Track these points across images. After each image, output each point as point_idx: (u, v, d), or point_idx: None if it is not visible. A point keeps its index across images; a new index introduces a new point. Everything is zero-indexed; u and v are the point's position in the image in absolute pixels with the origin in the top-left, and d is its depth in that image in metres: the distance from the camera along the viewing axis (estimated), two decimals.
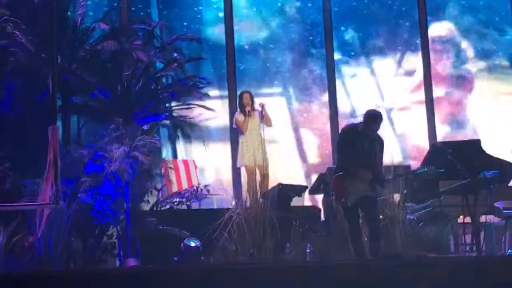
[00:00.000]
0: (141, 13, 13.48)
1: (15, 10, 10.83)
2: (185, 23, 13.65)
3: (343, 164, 8.52)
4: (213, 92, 12.86)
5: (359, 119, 8.85)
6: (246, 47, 13.80)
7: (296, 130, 13.84)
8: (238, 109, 10.97)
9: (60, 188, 7.26)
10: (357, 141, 8.41)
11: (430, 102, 13.62)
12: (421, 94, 13.77)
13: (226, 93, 13.33)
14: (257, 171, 10.56)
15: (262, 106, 10.84)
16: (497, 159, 9.90)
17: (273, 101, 13.15)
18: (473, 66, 14.08)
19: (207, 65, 13.30)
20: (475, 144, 10.03)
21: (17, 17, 10.80)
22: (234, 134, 12.39)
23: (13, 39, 10.74)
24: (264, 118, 10.76)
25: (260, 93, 13.18)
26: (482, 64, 14.06)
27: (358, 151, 8.37)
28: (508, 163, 9.86)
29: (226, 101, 13.28)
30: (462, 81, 14.03)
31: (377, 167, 8.45)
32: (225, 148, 13.21)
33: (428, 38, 13.89)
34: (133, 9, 13.36)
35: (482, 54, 14.05)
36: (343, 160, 8.54)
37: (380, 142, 8.52)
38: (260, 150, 10.65)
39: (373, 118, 8.44)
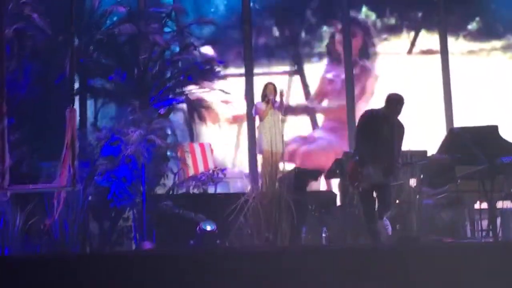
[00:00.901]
0: None
1: None
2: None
3: (359, 150, 8.51)
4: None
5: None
6: None
7: None
8: (260, 99, 11.02)
9: (77, 171, 7.27)
10: (376, 127, 8.39)
11: (447, 85, 13.55)
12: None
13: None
14: (274, 158, 10.59)
15: (282, 93, 10.83)
16: None
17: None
18: None
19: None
20: (493, 129, 9.98)
21: (34, 1, 10.81)
22: (251, 119, 12.41)
23: (31, 22, 10.75)
24: (282, 107, 10.79)
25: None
26: None
27: (376, 138, 8.36)
28: None
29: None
30: None
31: (393, 156, 8.44)
32: (242, 133, 13.21)
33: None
34: None
35: None
36: (360, 146, 8.53)
37: (400, 129, 8.49)
38: (279, 137, 10.67)
39: (395, 101, 8.41)
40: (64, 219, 9.56)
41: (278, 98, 10.80)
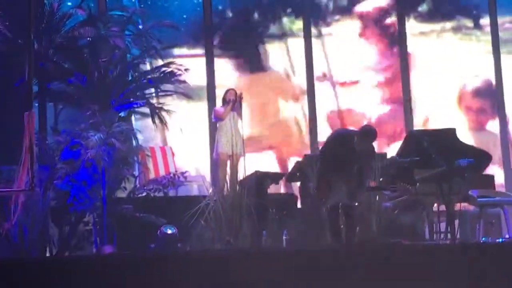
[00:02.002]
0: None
1: None
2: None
3: (325, 168, 8.55)
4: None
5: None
6: None
7: None
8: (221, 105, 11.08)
9: (36, 175, 7.22)
10: (346, 150, 8.44)
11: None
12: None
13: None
14: (232, 160, 10.66)
15: (241, 96, 10.90)
16: (472, 147, 10.00)
17: None
18: None
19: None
20: (451, 132, 10.08)
21: None
22: (213, 123, 12.46)
23: None
24: (241, 109, 10.86)
25: None
26: None
27: (345, 160, 8.43)
28: (482, 151, 9.94)
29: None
30: None
31: (361, 179, 8.55)
32: (203, 136, 13.23)
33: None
34: None
35: None
36: (326, 165, 8.56)
37: (370, 153, 8.59)
38: (238, 139, 10.73)
39: (371, 136, 8.49)
40: (24, 223, 9.50)
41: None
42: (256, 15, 14.03)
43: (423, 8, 14.19)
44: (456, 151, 9.42)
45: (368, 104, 13.84)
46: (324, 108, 13.79)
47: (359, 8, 14.08)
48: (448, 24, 14.15)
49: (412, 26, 14.10)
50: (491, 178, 10.16)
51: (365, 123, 9.94)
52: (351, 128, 9.09)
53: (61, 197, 10.04)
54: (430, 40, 14.11)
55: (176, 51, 12.95)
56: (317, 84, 13.80)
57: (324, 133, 13.10)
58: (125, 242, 10.00)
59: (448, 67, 13.93)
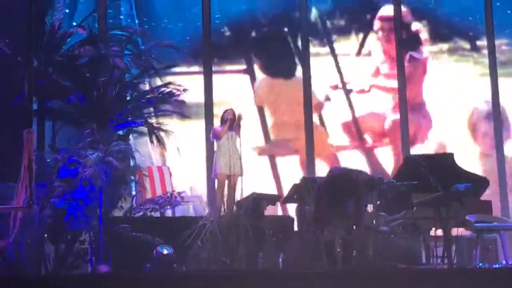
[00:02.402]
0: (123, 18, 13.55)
1: None
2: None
3: (322, 204, 8.60)
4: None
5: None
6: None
7: None
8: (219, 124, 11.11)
9: (34, 192, 7.21)
10: (345, 186, 8.51)
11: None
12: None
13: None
14: (229, 181, 10.68)
15: (240, 116, 10.91)
16: (470, 172, 10.00)
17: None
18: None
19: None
20: (448, 157, 10.12)
21: None
22: (210, 143, 12.51)
23: None
24: (239, 129, 10.87)
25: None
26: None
27: (344, 196, 8.49)
28: (480, 176, 9.97)
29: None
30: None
31: (359, 215, 8.59)
32: (200, 156, 13.23)
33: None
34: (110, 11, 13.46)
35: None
36: (323, 201, 8.62)
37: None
38: (237, 160, 10.73)
39: (369, 185, 8.59)
40: (20, 241, 9.47)
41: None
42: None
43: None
44: (453, 175, 9.44)
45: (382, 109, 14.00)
46: (338, 116, 13.94)
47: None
48: (445, 46, 14.22)
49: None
50: (488, 203, 10.15)
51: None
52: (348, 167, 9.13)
53: (57, 215, 10.01)
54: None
55: (176, 68, 12.97)
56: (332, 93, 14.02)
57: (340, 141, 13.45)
58: (120, 261, 9.96)
59: (443, 89, 14.01)
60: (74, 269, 10.14)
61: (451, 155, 10.16)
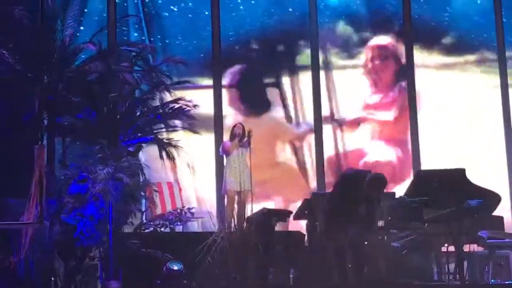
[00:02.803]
0: (135, 34, 13.59)
1: (3, 29, 10.82)
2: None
3: (333, 207, 8.53)
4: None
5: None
6: None
7: None
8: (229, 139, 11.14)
9: (45, 208, 7.21)
10: (354, 191, 8.46)
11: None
12: None
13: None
14: (239, 196, 10.71)
15: (250, 132, 10.96)
16: (482, 188, 9.95)
17: None
18: None
19: None
20: (460, 173, 10.07)
21: (4, 36, 10.80)
22: (219, 158, 12.51)
23: (0, 58, 10.73)
24: (249, 144, 10.91)
25: None
26: None
27: (356, 198, 8.44)
28: (492, 192, 9.91)
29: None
30: None
31: (372, 218, 8.55)
32: (210, 171, 13.22)
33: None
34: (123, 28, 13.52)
35: None
36: (335, 204, 8.54)
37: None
38: (246, 177, 10.77)
39: (381, 183, 8.54)
40: (30, 256, 9.46)
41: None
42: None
43: (446, 40, 14.18)
44: (465, 191, 9.40)
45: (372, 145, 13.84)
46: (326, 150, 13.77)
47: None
48: (471, 57, 14.16)
49: (436, 58, 14.10)
50: (500, 219, 10.10)
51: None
52: (361, 168, 9.05)
53: (67, 231, 10.00)
54: (453, 72, 14.11)
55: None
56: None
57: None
58: (131, 277, 9.94)
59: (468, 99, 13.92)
60: (84, 285, 10.12)
61: (463, 170, 10.11)
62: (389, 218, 9.46)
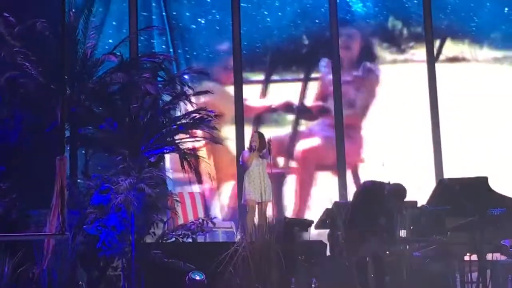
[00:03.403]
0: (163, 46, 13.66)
1: (26, 42, 10.92)
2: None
3: (355, 219, 8.49)
4: None
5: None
6: None
7: None
8: (247, 147, 11.18)
9: (67, 219, 7.25)
10: (374, 204, 8.46)
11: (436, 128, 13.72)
12: None
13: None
14: (260, 207, 10.74)
15: (270, 141, 10.99)
16: (505, 196, 9.89)
17: None
18: None
19: None
20: (482, 181, 10.02)
21: (27, 49, 10.90)
22: (240, 168, 12.53)
23: (23, 70, 10.84)
24: (269, 154, 10.94)
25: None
26: None
27: (372, 213, 8.44)
28: None
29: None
30: None
31: (394, 229, 8.54)
32: (232, 182, 13.26)
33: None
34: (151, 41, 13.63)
35: None
36: (356, 216, 8.50)
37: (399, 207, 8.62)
38: (267, 186, 10.81)
39: (402, 195, 8.53)
40: (53, 267, 9.51)
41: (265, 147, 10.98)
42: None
43: (496, 35, 14.12)
44: (488, 200, 9.35)
45: None
46: None
47: None
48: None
49: (486, 53, 14.05)
50: None
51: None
52: (380, 180, 9.01)
53: (90, 241, 10.04)
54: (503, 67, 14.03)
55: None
56: None
57: None
58: (153, 287, 9.96)
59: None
60: None
61: (485, 178, 10.06)
62: (411, 227, 9.43)
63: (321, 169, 13.72)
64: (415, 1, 14.05)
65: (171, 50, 13.84)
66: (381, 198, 8.44)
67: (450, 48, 14.04)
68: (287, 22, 14.05)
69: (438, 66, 13.85)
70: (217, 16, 14.09)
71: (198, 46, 13.98)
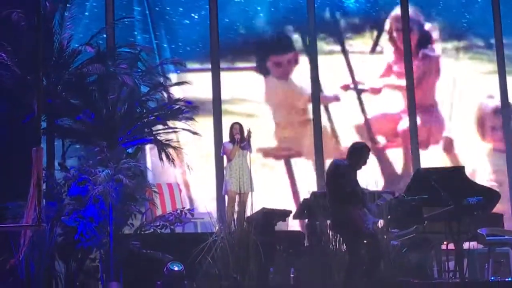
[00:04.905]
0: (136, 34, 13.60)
1: (1, 33, 10.83)
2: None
3: (352, 196, 8.31)
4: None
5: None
6: None
7: None
8: (228, 139, 11.16)
9: (44, 211, 7.22)
10: (353, 176, 8.38)
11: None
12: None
13: None
14: (240, 197, 10.75)
15: (249, 132, 11.01)
16: (481, 186, 9.98)
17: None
18: None
19: None
20: (459, 171, 10.10)
21: (2, 40, 10.80)
22: (219, 159, 12.53)
23: None
24: (250, 146, 10.98)
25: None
26: None
27: (356, 185, 8.34)
28: (491, 189, 9.94)
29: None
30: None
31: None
32: (210, 171, 13.24)
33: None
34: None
35: None
36: (351, 193, 8.34)
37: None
38: (247, 178, 10.83)
39: (365, 149, 8.42)
40: (30, 259, 9.48)
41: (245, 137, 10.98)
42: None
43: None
44: (464, 189, 9.41)
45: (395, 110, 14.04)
46: (350, 117, 13.95)
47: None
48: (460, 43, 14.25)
49: None
50: (499, 216, 10.11)
51: None
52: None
53: (68, 233, 10.03)
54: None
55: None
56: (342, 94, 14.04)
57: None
58: (131, 278, 9.98)
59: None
60: (85, 287, 10.14)
61: (462, 168, 10.15)
62: (389, 216, 9.48)
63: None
64: None
65: (154, 42, 13.75)
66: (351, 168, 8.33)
67: None
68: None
69: None
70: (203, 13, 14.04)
71: (182, 38, 13.91)
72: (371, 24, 14.33)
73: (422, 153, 13.76)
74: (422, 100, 14.11)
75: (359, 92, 14.04)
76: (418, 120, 13.94)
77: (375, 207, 8.52)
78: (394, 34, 14.27)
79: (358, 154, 8.35)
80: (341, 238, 9.01)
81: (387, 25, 14.30)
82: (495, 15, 14.14)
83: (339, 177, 8.28)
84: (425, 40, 14.33)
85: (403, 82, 14.03)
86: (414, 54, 14.17)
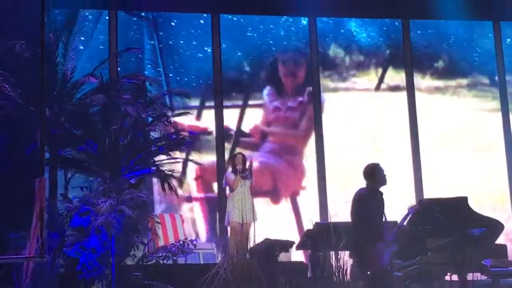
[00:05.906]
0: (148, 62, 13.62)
1: (4, 63, 10.87)
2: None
3: (376, 230, 8.26)
4: None
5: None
6: None
7: None
8: (230, 169, 11.16)
9: (46, 242, 7.19)
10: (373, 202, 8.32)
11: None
12: None
13: None
14: (242, 228, 10.73)
15: (251, 162, 11.03)
16: (484, 216, 9.94)
17: None
18: None
19: None
20: (462, 201, 10.07)
21: (6, 70, 10.84)
22: (222, 190, 12.51)
23: (2, 92, 10.77)
24: (251, 175, 10.99)
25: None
26: None
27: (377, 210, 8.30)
28: (495, 220, 9.90)
29: None
30: None
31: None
32: (213, 203, 13.21)
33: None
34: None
35: None
36: (376, 226, 8.29)
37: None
38: (249, 208, 10.82)
39: (378, 169, 8.37)
40: None
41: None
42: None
43: (439, 64, 14.27)
44: (468, 220, 9.39)
45: None
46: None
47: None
48: (464, 81, 14.23)
49: (427, 81, 14.25)
50: (503, 247, 10.07)
51: None
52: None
53: (70, 264, 9.98)
54: (446, 96, 14.22)
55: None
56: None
57: None
58: None
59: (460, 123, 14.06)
60: None
61: (465, 198, 10.11)
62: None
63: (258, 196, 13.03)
64: None
65: (160, 70, 13.80)
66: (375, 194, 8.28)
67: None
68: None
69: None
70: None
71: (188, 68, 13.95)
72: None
73: None
74: None
75: None
76: None
77: (392, 237, 8.45)
78: None
79: (371, 175, 8.31)
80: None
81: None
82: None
83: (360, 203, 8.28)
84: None
85: None
86: None
